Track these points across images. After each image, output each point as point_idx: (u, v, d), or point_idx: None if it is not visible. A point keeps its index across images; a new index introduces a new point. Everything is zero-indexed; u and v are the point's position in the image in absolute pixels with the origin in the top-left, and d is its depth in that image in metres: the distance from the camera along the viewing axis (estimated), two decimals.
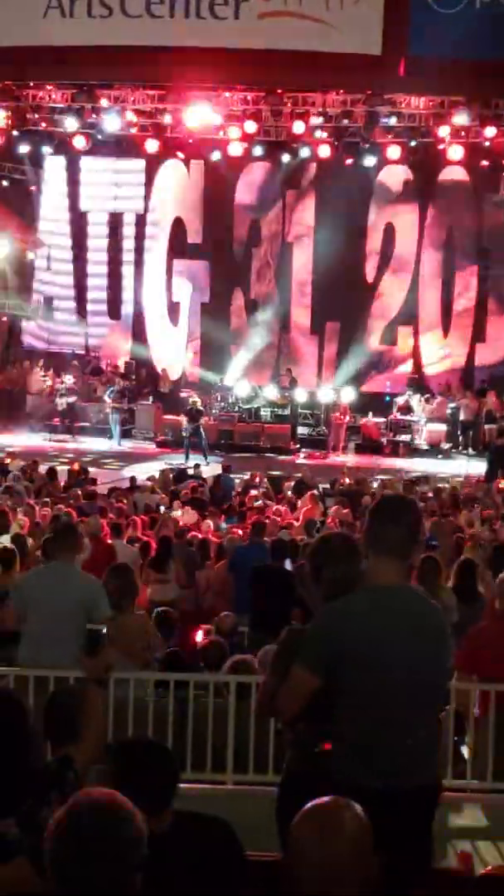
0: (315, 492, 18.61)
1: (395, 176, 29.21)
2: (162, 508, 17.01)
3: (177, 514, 16.20)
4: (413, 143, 26.25)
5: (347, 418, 27.29)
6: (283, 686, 4.27)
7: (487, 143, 25.27)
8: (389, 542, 4.18)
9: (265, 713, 5.20)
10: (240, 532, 14.19)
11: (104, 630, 7.14)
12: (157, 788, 3.50)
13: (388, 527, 4.20)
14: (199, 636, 10.21)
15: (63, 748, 4.09)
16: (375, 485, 20.25)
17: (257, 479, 20.31)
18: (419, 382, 29.34)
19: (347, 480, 20.36)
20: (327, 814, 2.62)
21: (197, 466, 22.93)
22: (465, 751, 7.11)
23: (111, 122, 25.90)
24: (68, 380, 28.94)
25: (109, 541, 12.74)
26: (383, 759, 4.04)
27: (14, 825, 3.61)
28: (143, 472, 21.93)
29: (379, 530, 4.22)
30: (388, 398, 28.64)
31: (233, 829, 3.35)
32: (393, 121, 25.35)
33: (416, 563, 10.22)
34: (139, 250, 31.28)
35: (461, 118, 24.12)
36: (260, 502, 17.63)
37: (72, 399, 28.43)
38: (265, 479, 20.38)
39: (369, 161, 26.99)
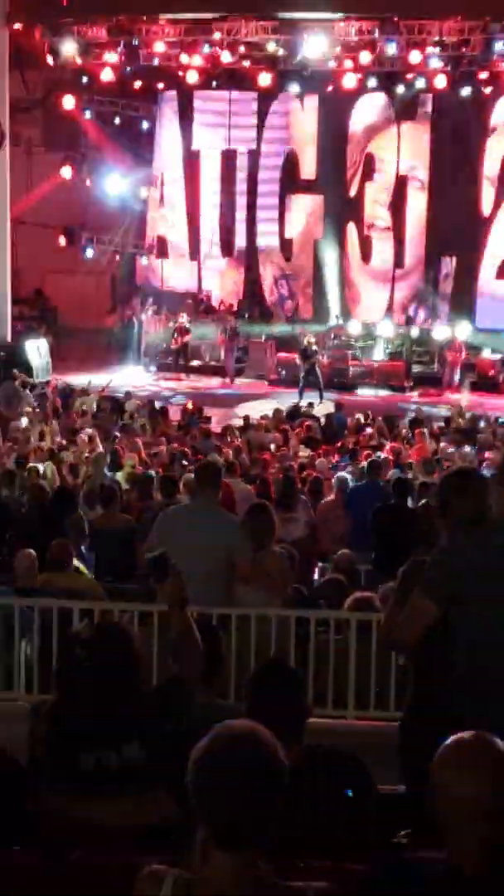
0: (427, 430, 18.46)
1: None
2: (273, 447, 17.02)
3: (293, 452, 16.22)
4: None
5: (462, 355, 26.86)
6: (403, 615, 4.27)
7: None
8: None
9: (385, 644, 5.20)
10: (351, 471, 14.17)
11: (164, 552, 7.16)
12: (292, 714, 3.55)
13: None
14: (317, 574, 10.26)
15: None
16: (490, 422, 20.01)
17: (371, 418, 20.19)
18: None
19: (461, 419, 20.14)
20: (471, 749, 2.62)
21: (310, 405, 22.90)
22: None
23: (224, 56, 25.65)
24: (183, 318, 29.01)
25: (225, 479, 12.79)
26: (489, 700, 4.00)
27: (138, 747, 3.72)
28: (257, 410, 21.96)
29: None
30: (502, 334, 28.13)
31: (363, 762, 3.36)
32: None
33: None
34: (252, 186, 31.07)
35: None
36: (375, 441, 17.55)
37: (186, 338, 28.51)
38: (379, 418, 20.25)
39: (487, 91, 26.34)
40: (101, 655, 3.99)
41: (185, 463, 13.99)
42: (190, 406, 21.50)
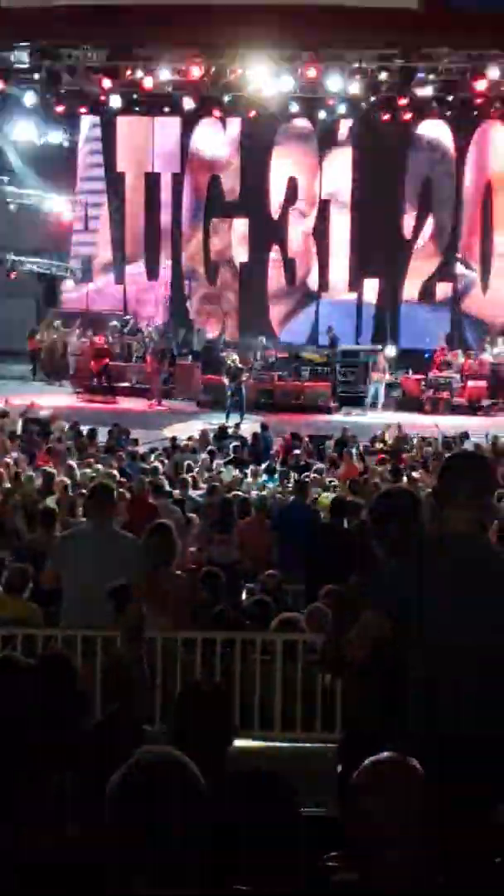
0: (354, 450, 18.64)
1: (432, 130, 28.94)
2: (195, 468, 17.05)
3: (221, 473, 16.29)
4: (450, 98, 26.01)
5: (386, 376, 27.16)
6: (354, 631, 4.27)
7: None
8: (459, 494, 4.18)
9: (328, 666, 5.22)
10: (279, 490, 14.28)
11: (127, 582, 7.19)
12: (216, 736, 3.58)
13: (459, 478, 4.22)
14: (244, 595, 10.31)
15: (117, 705, 4.18)
16: (415, 441, 20.24)
17: (297, 438, 20.32)
18: (458, 338, 29.21)
19: (387, 438, 20.36)
20: (388, 770, 2.66)
21: (237, 426, 22.99)
22: None
23: (146, 81, 25.76)
24: (108, 339, 28.96)
25: (151, 501, 12.83)
26: (452, 707, 4.03)
27: (74, 782, 3.70)
28: (184, 431, 21.99)
29: (450, 482, 4.25)
30: (427, 354, 28.50)
31: (290, 784, 3.41)
32: (430, 75, 25.08)
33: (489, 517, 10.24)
34: (176, 209, 31.21)
35: (497, 72, 23.85)
36: (302, 461, 17.69)
37: (109, 360, 28.41)
38: (306, 438, 20.40)
39: (406, 116, 26.79)
40: (44, 687, 3.97)
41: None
42: (116, 428, 21.45)
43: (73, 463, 16.16)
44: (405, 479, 15.02)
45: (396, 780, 2.64)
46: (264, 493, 14.16)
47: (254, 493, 14.14)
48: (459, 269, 29.69)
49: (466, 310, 29.82)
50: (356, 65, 24.48)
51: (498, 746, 4.12)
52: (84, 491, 13.20)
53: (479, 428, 22.60)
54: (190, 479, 14.91)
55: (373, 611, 4.19)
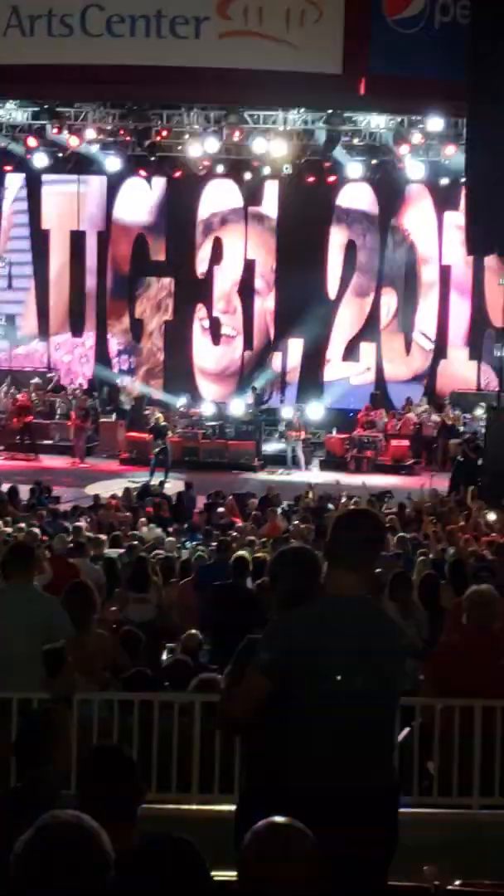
0: (279, 509, 18.66)
1: (356, 194, 29.40)
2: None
3: (142, 531, 16.19)
4: (374, 162, 26.49)
5: (302, 434, 27.23)
6: (237, 691, 4.31)
7: (447, 161, 25.54)
8: (345, 553, 4.24)
9: (220, 726, 5.21)
10: (203, 550, 14.20)
11: (62, 646, 7.07)
12: (121, 796, 3.52)
13: (344, 538, 4.27)
14: (164, 655, 10.21)
15: (33, 771, 4.09)
16: (342, 501, 20.29)
17: (220, 496, 20.29)
18: (382, 397, 29.52)
19: (311, 497, 20.40)
20: (274, 834, 2.62)
21: (161, 484, 22.92)
22: (431, 767, 7.11)
23: (72, 140, 25.91)
24: (31, 397, 28.79)
25: (73, 560, 12.68)
26: (332, 768, 4.05)
27: None
28: (107, 489, 21.87)
29: (335, 541, 4.30)
30: (351, 414, 28.74)
31: (198, 849, 3.35)
32: (354, 140, 25.56)
33: (383, 577, 10.34)
34: (102, 268, 31.26)
35: (420, 137, 24.40)
36: (225, 520, 17.65)
37: (30, 418, 28.21)
38: (230, 496, 20.38)
39: (330, 179, 27.22)
40: None
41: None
42: (38, 486, 21.26)
43: None
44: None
45: (282, 844, 2.60)
46: (186, 552, 14.09)
47: (181, 553, 14.08)
48: (384, 329, 30.04)
49: (390, 371, 30.16)
50: (281, 127, 24.86)
51: (382, 803, 4.12)
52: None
53: (402, 486, 22.81)
54: (110, 538, 14.79)
55: (255, 669, 4.20)
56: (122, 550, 14.01)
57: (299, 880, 2.55)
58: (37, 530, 15.17)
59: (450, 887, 4.61)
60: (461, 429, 27.18)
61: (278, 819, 2.67)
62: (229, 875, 4.00)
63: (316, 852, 2.61)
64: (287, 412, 28.26)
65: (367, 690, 4.11)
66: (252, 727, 4.34)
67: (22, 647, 6.65)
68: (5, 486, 20.53)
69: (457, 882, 4.56)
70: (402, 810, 6.48)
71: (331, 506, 19.86)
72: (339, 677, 4.07)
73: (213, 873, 3.59)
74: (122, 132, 26.12)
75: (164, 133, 25.95)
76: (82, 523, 16.10)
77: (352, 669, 4.09)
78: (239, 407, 28.58)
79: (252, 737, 4.45)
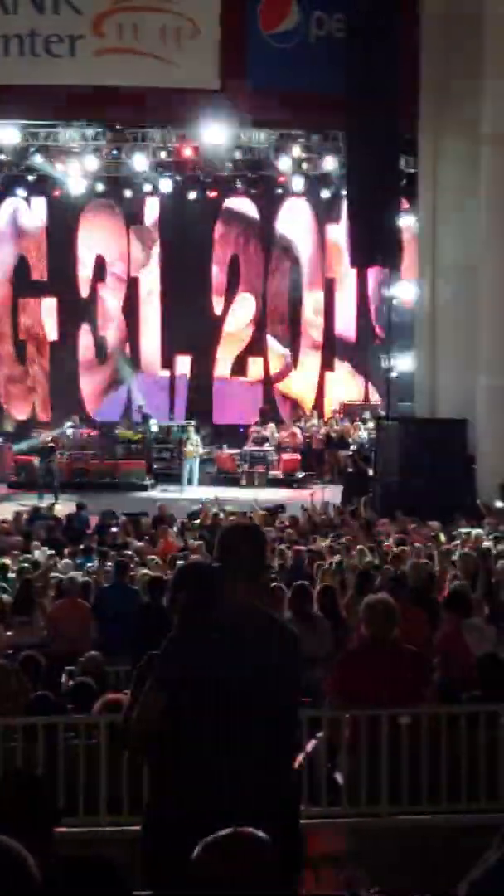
0: (173, 528, 18.54)
1: (238, 208, 29.52)
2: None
3: (35, 555, 15.91)
4: (254, 176, 26.63)
5: (201, 450, 27.16)
6: (137, 708, 4.34)
7: (328, 174, 25.83)
8: (237, 566, 4.34)
9: (125, 741, 5.18)
10: (94, 569, 14.05)
11: None
12: (37, 823, 3.45)
13: (233, 551, 4.39)
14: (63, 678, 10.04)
15: None
16: (232, 518, 20.25)
17: (113, 516, 20.08)
18: (271, 412, 29.65)
19: (204, 513, 20.31)
20: (231, 845, 2.60)
21: (51, 506, 22.63)
22: (338, 777, 7.10)
23: None
24: None
25: None
26: (230, 776, 4.08)
27: None
28: None
29: (225, 554, 4.41)
30: (241, 429, 28.78)
31: (117, 868, 3.28)
32: (235, 154, 25.66)
33: (280, 591, 10.34)
34: None
35: (300, 150, 24.61)
36: (120, 540, 17.47)
37: None
38: (123, 517, 20.18)
39: (212, 194, 27.30)
40: None
41: None
42: None
43: None
44: None
45: (242, 853, 2.58)
46: (79, 573, 13.87)
47: (71, 574, 13.85)
48: (271, 343, 30.21)
49: (278, 385, 30.33)
50: (160, 143, 24.85)
51: (278, 809, 4.15)
52: None
53: (295, 499, 22.89)
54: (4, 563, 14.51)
55: (153, 685, 4.27)
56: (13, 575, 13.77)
57: (261, 886, 2.51)
58: None
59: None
60: (349, 441, 27.41)
61: (234, 829, 2.64)
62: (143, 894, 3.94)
63: (272, 861, 2.58)
64: (176, 429, 28.16)
65: (266, 699, 4.19)
66: (153, 742, 4.35)
67: None
68: None
69: (372, 890, 4.54)
70: (312, 820, 6.52)
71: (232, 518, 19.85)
72: (238, 687, 4.13)
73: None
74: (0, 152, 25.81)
75: (42, 153, 25.73)
76: None
77: (251, 678, 4.17)
78: (127, 426, 28.41)
79: (153, 751, 4.43)
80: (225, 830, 2.63)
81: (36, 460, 25.72)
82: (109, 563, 13.80)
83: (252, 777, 4.11)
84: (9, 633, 10.95)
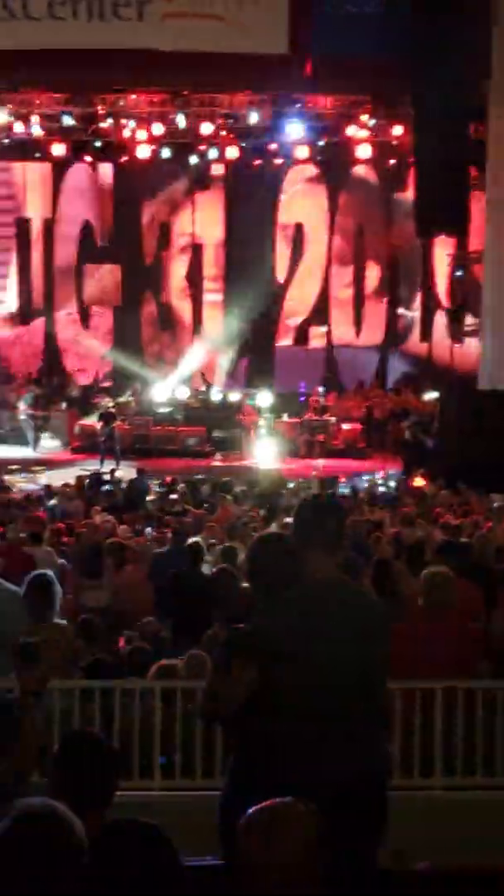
0: (230, 495, 18.57)
1: (303, 175, 29.37)
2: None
3: (95, 519, 16.04)
4: (321, 143, 26.42)
5: (258, 419, 27.11)
6: (225, 682, 4.35)
7: (394, 142, 25.55)
8: (320, 538, 4.32)
9: (208, 714, 5.21)
10: (152, 535, 14.14)
11: (33, 641, 6.96)
12: (97, 785, 3.50)
13: (317, 523, 4.37)
14: (122, 642, 10.13)
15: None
16: (291, 486, 20.26)
17: (173, 483, 20.19)
18: (333, 381, 29.53)
19: (262, 482, 20.35)
20: (275, 816, 2.61)
21: (112, 471, 22.78)
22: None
23: (17, 126, 25.62)
24: None
25: (27, 549, 12.54)
26: (323, 751, 4.10)
27: None
28: (59, 478, 21.68)
29: (308, 527, 4.39)
30: (302, 398, 28.70)
31: (165, 833, 3.30)
32: (300, 120, 25.46)
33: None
34: (48, 255, 30.98)
35: (367, 117, 24.35)
36: (178, 507, 17.54)
37: None
38: (182, 483, 20.27)
39: (277, 161, 27.14)
40: None
41: None
42: None
43: None
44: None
45: (285, 824, 2.58)
46: (139, 539, 13.98)
47: (132, 541, 13.95)
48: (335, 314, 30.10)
49: (339, 352, 30.20)
50: (227, 110, 24.71)
51: (374, 785, 4.15)
52: None
53: (355, 470, 22.84)
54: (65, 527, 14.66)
55: (245, 660, 4.26)
56: (75, 538, 13.90)
57: (303, 859, 2.53)
58: None
59: (437, 870, 4.59)
60: (411, 411, 27.22)
61: (280, 800, 2.65)
62: (193, 859, 3.97)
63: (317, 831, 2.59)
64: (236, 396, 28.19)
65: (361, 670, 4.21)
66: (238, 715, 4.36)
67: None
68: None
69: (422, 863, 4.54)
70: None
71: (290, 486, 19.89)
72: (331, 659, 4.14)
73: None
74: (66, 117, 25.81)
75: (109, 119, 25.72)
76: (36, 514, 15.94)
77: (344, 650, 4.18)
78: (188, 393, 28.50)
79: (239, 724, 4.45)
80: (269, 802, 2.64)
81: (98, 426, 25.87)
82: (167, 530, 13.90)
83: (343, 749, 4.14)
84: (68, 597, 11.05)
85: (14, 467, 23.88)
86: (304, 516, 4.47)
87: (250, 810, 2.63)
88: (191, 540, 11.93)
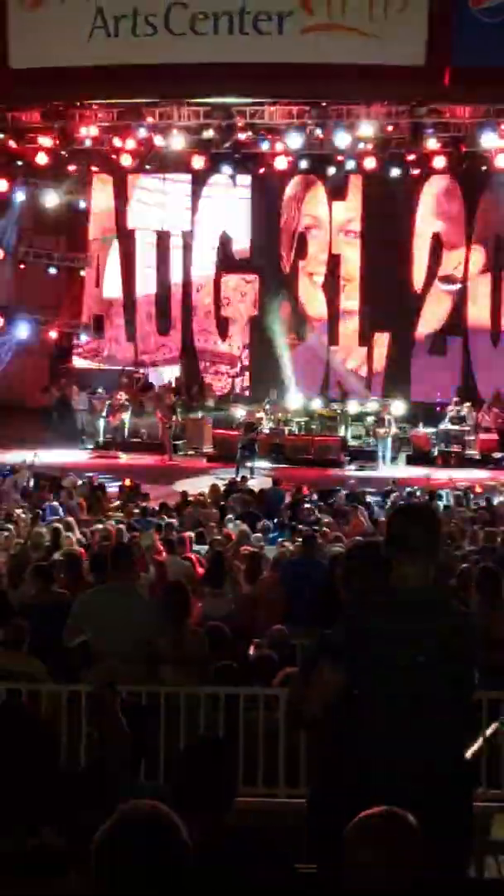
0: (363, 507, 18.54)
1: (440, 185, 29.20)
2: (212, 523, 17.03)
3: (229, 528, 16.23)
4: (458, 153, 26.20)
5: (392, 430, 26.94)
6: (310, 686, 4.39)
7: None
8: (410, 545, 4.30)
9: (293, 718, 5.27)
10: (289, 545, 14.20)
11: (81, 640, 7.19)
12: (218, 790, 3.58)
13: (408, 530, 4.33)
14: (251, 650, 10.23)
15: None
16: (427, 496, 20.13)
17: (307, 492, 20.26)
18: (469, 392, 29.23)
19: (395, 493, 20.26)
20: (379, 825, 2.67)
21: (244, 480, 22.96)
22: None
23: (157, 140, 26.06)
24: (121, 396, 29.07)
25: (162, 556, 12.79)
26: (404, 758, 4.11)
27: (56, 834, 3.67)
28: (195, 486, 21.96)
29: (399, 533, 4.36)
30: (438, 408, 28.49)
31: (280, 843, 3.39)
32: (438, 131, 25.29)
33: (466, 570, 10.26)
34: (187, 266, 31.44)
35: None
36: (312, 516, 17.61)
37: (124, 415, 28.57)
38: (314, 494, 20.33)
39: (415, 171, 27.02)
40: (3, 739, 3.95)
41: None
42: (127, 483, 21.44)
43: (84, 518, 16.14)
44: None
45: (390, 832, 2.65)
46: (272, 548, 14.10)
47: (267, 549, 14.07)
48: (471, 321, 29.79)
49: (476, 363, 29.86)
50: (365, 121, 24.67)
51: (450, 795, 4.16)
52: (91, 545, 13.25)
53: (492, 480, 22.58)
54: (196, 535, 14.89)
55: (329, 666, 4.29)
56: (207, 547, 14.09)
57: (404, 867, 2.58)
58: (125, 527, 15.31)
59: None
60: None
61: (384, 809, 2.72)
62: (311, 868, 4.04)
63: (418, 836, 2.65)
64: (372, 406, 28.13)
65: (446, 679, 4.20)
66: (323, 719, 4.40)
67: (121, 645, 6.79)
68: (96, 482, 20.79)
69: None
70: (490, 803, 6.50)
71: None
72: (417, 666, 4.15)
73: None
74: (205, 130, 26.16)
75: (249, 132, 25.98)
76: (172, 520, 16.21)
77: (430, 659, 4.17)
78: (324, 403, 28.55)
79: (324, 728, 4.49)
80: (375, 810, 2.69)
81: (236, 434, 26.09)
82: (300, 539, 13.97)
83: (423, 757, 4.13)
84: (199, 605, 11.22)
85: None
86: (394, 524, 4.46)
87: (355, 820, 2.67)
88: (334, 549, 12.00)
